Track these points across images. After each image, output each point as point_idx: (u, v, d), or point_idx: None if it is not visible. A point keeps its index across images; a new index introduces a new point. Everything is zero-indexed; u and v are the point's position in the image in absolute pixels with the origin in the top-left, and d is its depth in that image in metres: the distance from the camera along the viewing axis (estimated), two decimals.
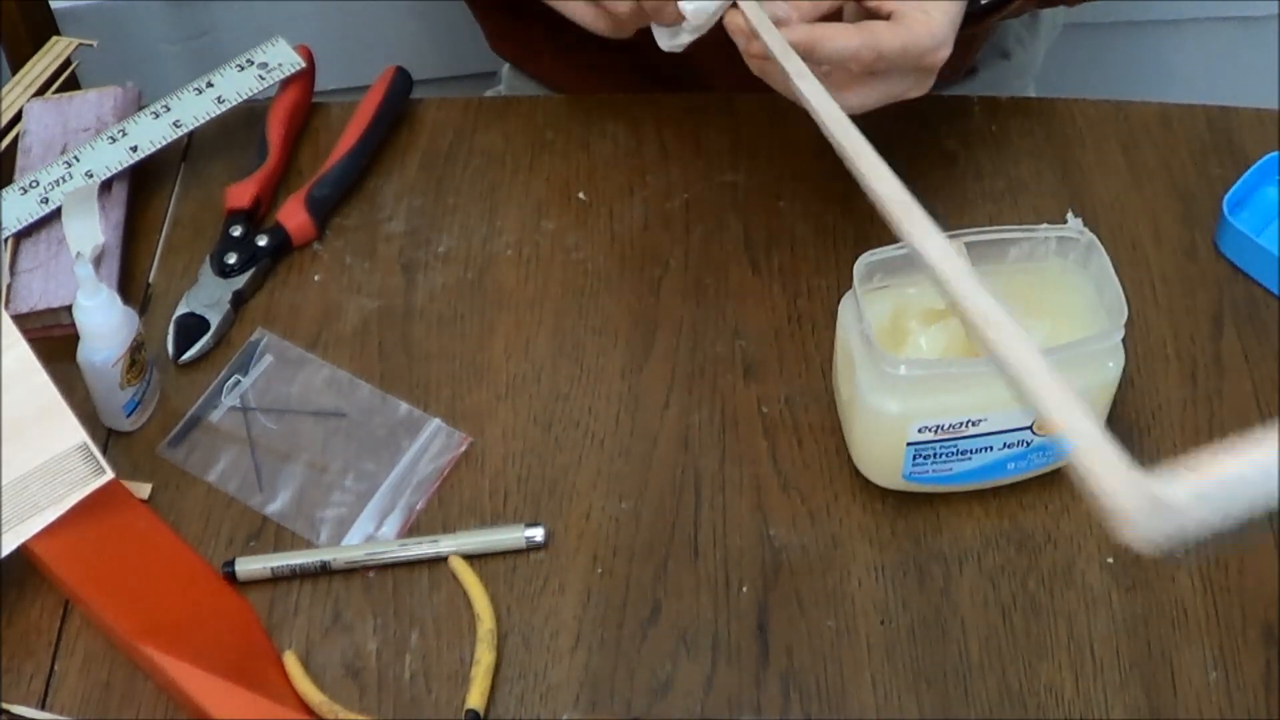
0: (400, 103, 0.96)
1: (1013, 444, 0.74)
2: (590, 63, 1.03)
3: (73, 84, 0.99)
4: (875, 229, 0.89)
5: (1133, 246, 0.88)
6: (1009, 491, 0.78)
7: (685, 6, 0.76)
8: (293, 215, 0.89)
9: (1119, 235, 0.88)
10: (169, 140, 0.91)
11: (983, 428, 0.73)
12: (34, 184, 0.88)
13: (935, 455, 0.74)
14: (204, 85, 0.93)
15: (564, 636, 0.74)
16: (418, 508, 0.78)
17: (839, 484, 0.79)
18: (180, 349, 0.84)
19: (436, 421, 0.81)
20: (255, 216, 0.90)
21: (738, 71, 1.00)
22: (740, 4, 0.75)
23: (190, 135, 0.93)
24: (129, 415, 0.81)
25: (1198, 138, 0.93)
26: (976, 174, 0.92)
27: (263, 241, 0.88)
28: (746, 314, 0.86)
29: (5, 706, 0.72)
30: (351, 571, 0.76)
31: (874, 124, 0.94)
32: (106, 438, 0.81)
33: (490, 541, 0.76)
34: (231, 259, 0.87)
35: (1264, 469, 0.48)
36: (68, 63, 0.98)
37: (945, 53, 0.76)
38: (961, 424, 0.73)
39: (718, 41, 1.00)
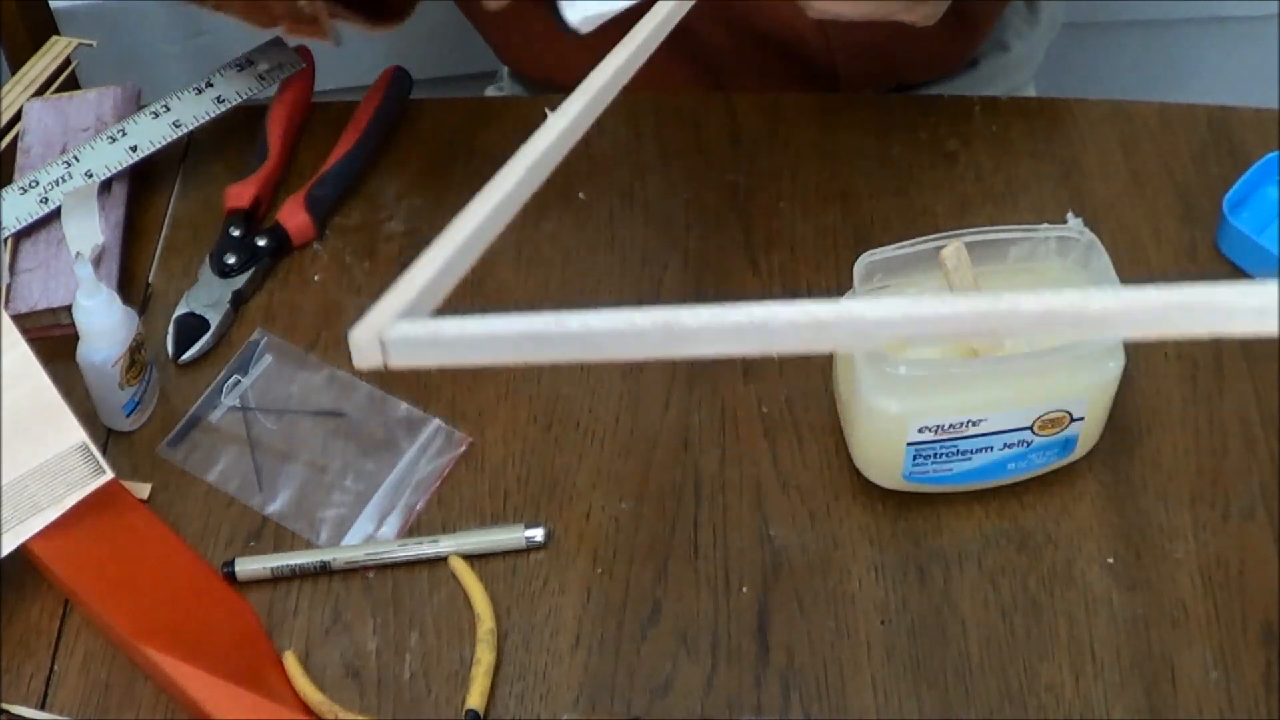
0: (400, 103, 0.96)
1: (1013, 444, 0.74)
2: (593, 61, 1.03)
3: (72, 84, 0.99)
4: (875, 229, 0.89)
5: (1133, 246, 0.88)
6: (1009, 491, 0.78)
7: None
8: (293, 215, 0.89)
9: (1119, 235, 0.88)
10: (169, 140, 0.91)
11: (983, 428, 0.73)
12: (33, 184, 0.88)
13: (935, 455, 0.74)
14: (204, 85, 0.93)
15: (564, 636, 0.74)
16: (418, 508, 0.78)
17: (839, 484, 0.79)
18: (180, 349, 0.84)
19: (436, 421, 0.81)
20: (255, 216, 0.90)
21: (745, 58, 1.00)
22: None
23: (190, 135, 0.93)
24: (129, 415, 0.81)
25: (1198, 138, 0.93)
26: (976, 174, 0.92)
27: (262, 241, 0.88)
28: None
29: (5, 706, 0.72)
30: (351, 571, 0.76)
31: (874, 123, 0.94)
32: (106, 438, 0.81)
33: (490, 541, 0.76)
34: (231, 259, 0.87)
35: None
36: (67, 62, 0.98)
37: None
38: (961, 424, 0.73)
39: (722, 21, 0.99)
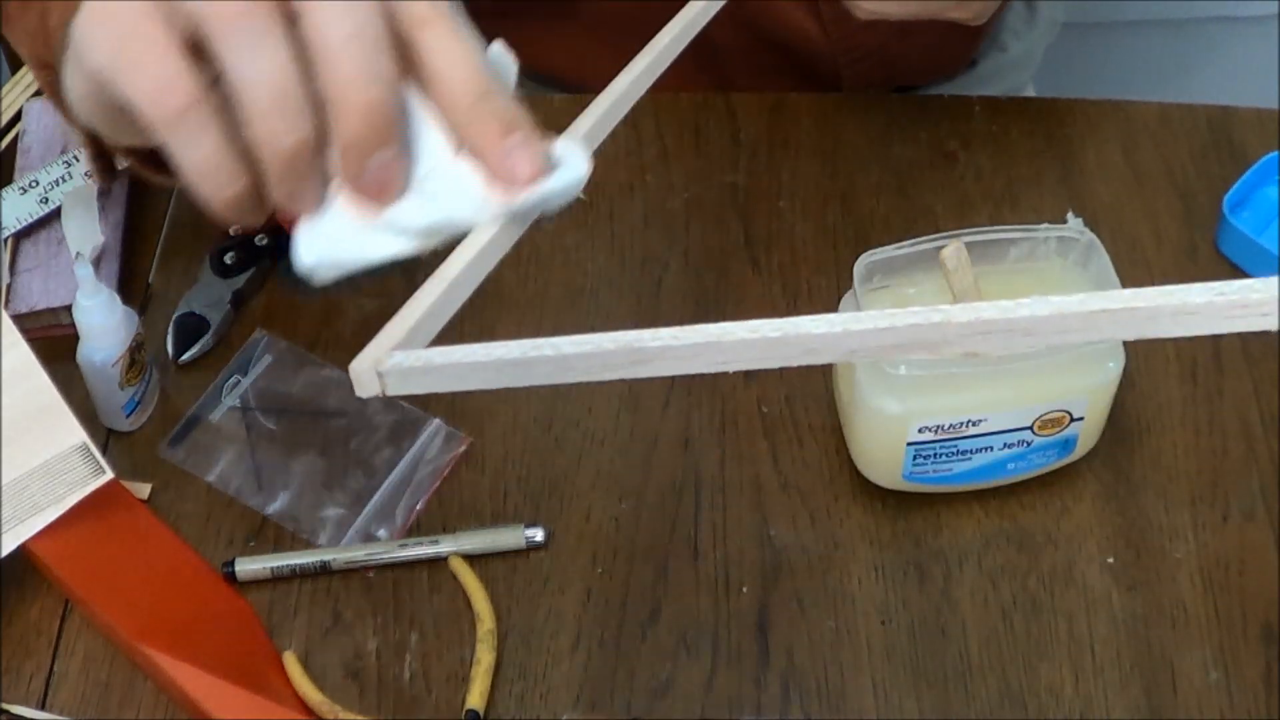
0: None
1: (1013, 444, 0.74)
2: (600, 49, 1.03)
3: None
4: (875, 229, 0.89)
5: (1133, 246, 0.88)
6: (1009, 491, 0.78)
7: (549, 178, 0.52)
8: (293, 215, 0.89)
9: (1119, 235, 0.88)
10: None
11: (983, 428, 0.73)
12: (34, 184, 0.88)
13: (935, 455, 0.74)
14: None
15: (564, 636, 0.74)
16: (418, 508, 0.78)
17: (839, 484, 0.79)
18: (180, 349, 0.84)
19: (436, 421, 0.81)
20: None
21: (748, 59, 0.99)
22: None
23: None
24: (129, 415, 0.81)
25: (1198, 138, 0.93)
26: (976, 174, 0.92)
27: (262, 241, 0.88)
28: (746, 314, 0.85)
29: (5, 706, 0.72)
30: (351, 571, 0.76)
31: (874, 123, 0.94)
32: (106, 438, 0.81)
33: (490, 541, 0.76)
34: (231, 259, 0.87)
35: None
36: None
37: None
38: (961, 424, 0.73)
39: (727, 21, 0.99)
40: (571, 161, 0.52)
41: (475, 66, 0.51)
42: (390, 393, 0.47)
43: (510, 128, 0.50)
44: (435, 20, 0.50)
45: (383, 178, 0.50)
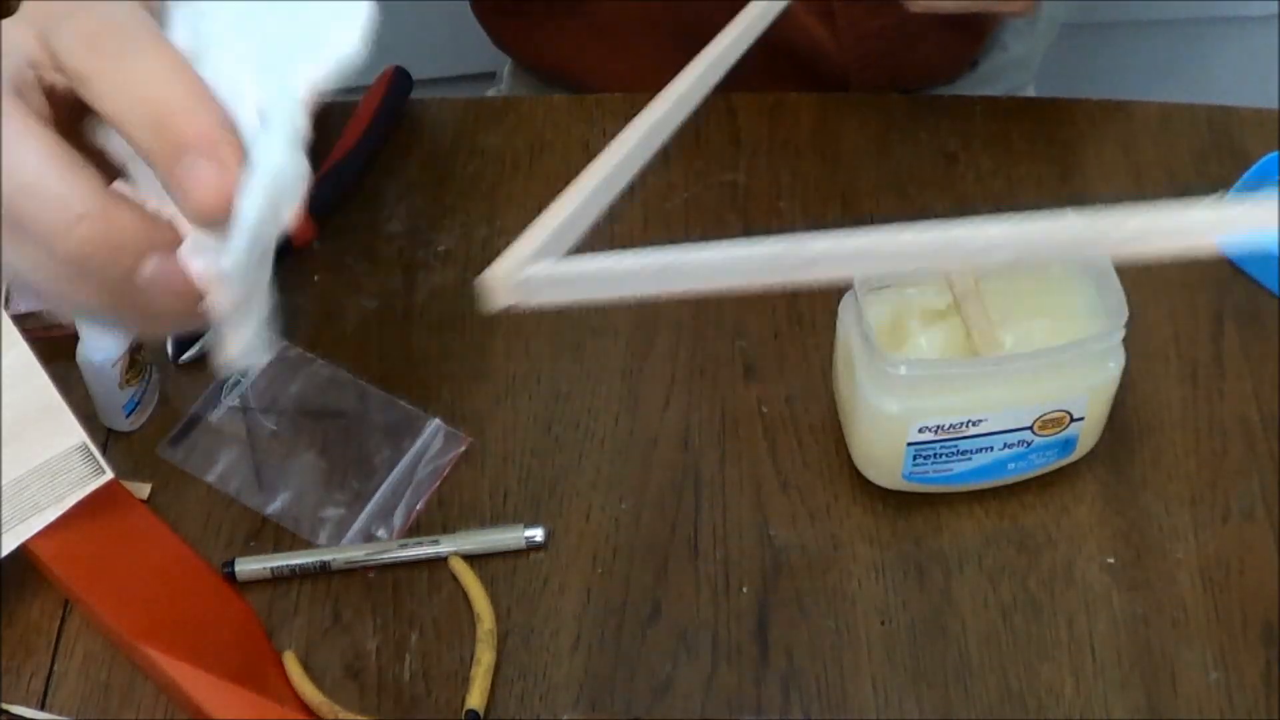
0: (400, 103, 0.96)
1: (1013, 444, 0.74)
2: (608, 47, 1.03)
3: None
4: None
5: None
6: (1009, 491, 0.78)
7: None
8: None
9: None
10: None
11: (983, 428, 0.73)
12: None
13: (935, 455, 0.74)
14: None
15: (564, 636, 0.74)
16: (418, 508, 0.78)
17: (839, 484, 0.79)
18: (180, 349, 0.84)
19: (436, 421, 0.81)
20: None
21: (756, 63, 1.00)
22: None
23: None
24: (129, 415, 0.81)
25: (1198, 138, 0.93)
26: (976, 174, 0.92)
27: None
28: (746, 314, 0.86)
29: (5, 706, 0.72)
30: (351, 571, 0.76)
31: (875, 123, 0.94)
32: (106, 438, 0.81)
33: (490, 542, 0.76)
34: None
35: None
36: None
37: None
38: (961, 424, 0.73)
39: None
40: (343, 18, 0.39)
41: (156, 93, 0.42)
42: (530, 301, 0.45)
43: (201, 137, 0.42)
44: (96, 61, 0.42)
45: (166, 274, 0.45)
